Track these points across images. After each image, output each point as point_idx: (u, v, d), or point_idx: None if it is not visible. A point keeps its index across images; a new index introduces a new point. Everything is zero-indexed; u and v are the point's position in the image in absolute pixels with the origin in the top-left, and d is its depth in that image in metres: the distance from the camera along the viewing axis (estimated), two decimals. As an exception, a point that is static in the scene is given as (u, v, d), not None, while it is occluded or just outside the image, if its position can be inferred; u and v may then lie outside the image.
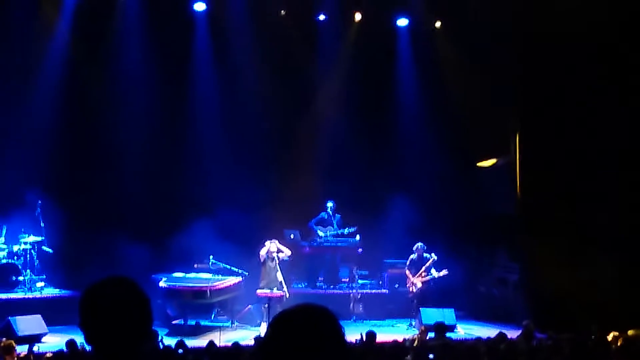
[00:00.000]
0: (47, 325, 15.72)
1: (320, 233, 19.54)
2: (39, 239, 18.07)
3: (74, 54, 19.60)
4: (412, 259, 18.33)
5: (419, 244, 18.37)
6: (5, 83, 18.67)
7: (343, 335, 2.71)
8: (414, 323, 17.72)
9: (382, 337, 14.20)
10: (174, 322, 17.24)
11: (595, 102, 17.58)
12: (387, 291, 19.59)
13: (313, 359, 2.65)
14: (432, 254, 18.23)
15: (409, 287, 18.38)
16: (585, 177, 17.65)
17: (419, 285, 18.18)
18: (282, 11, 20.79)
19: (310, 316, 2.73)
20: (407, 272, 18.38)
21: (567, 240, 17.29)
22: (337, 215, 19.63)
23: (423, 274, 18.17)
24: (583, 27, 17.06)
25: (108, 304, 3.24)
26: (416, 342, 13.66)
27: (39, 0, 19.32)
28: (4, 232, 17.94)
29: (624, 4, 17.46)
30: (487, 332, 15.43)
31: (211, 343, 12.76)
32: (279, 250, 17.44)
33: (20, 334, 14.78)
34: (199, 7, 20.31)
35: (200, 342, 14.31)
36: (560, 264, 17.00)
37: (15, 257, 17.83)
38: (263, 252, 17.30)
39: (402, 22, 21.31)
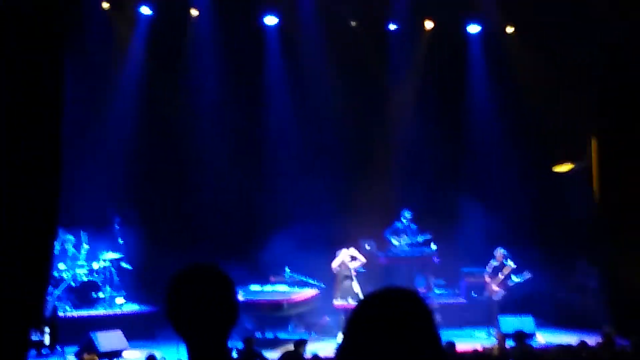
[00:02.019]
0: (127, 341, 15.91)
1: (395, 242, 19.48)
2: (117, 255, 18.32)
3: (149, 71, 19.86)
4: (493, 266, 18.16)
5: (500, 249, 18.20)
6: (84, 101, 18.93)
7: (431, 316, 2.54)
8: (492, 332, 17.56)
9: (461, 346, 14.09)
10: (251, 336, 17.33)
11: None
12: (464, 300, 19.47)
13: (401, 343, 2.47)
14: (510, 261, 18.05)
15: (489, 294, 18.21)
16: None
17: (500, 292, 18.01)
18: (353, 22, 20.83)
19: (394, 298, 2.58)
20: (487, 278, 18.22)
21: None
22: (414, 226, 19.55)
23: (503, 281, 18.00)
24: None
25: (195, 288, 3.21)
26: (496, 350, 13.54)
27: (114, 18, 19.64)
28: (84, 250, 18.20)
29: None
30: (567, 339, 15.19)
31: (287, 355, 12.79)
32: (352, 259, 17.41)
33: (101, 349, 14.96)
34: (270, 20, 20.44)
35: (278, 354, 14.34)
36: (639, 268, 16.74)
37: (95, 275, 18.09)
38: (335, 263, 17.28)
39: (474, 28, 21.20)
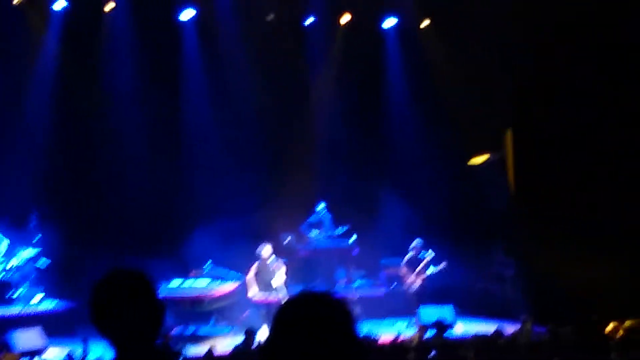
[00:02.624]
0: (48, 338, 15.67)
1: (313, 235, 19.59)
2: (35, 252, 18.05)
3: (65, 65, 19.61)
4: (410, 257, 18.34)
5: (417, 240, 18.40)
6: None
7: (350, 317, 2.66)
8: (413, 322, 17.74)
9: (382, 337, 14.22)
10: (173, 331, 17.24)
11: (588, 95, 17.58)
12: (384, 290, 19.62)
13: (323, 346, 2.58)
14: (430, 251, 18.26)
15: (407, 285, 18.39)
16: (579, 170, 17.66)
17: (418, 283, 18.20)
18: (271, 15, 20.83)
19: (316, 303, 2.68)
20: (404, 269, 18.39)
21: (561, 233, 17.31)
22: (329, 216, 19.68)
23: (421, 271, 18.20)
24: (577, 22, 17.09)
25: (120, 293, 3.24)
26: (416, 340, 13.69)
27: (27, 14, 19.34)
28: (4, 248, 17.90)
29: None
30: (486, 327, 15.42)
31: (210, 351, 12.79)
32: (272, 253, 17.48)
33: (19, 348, 14.73)
34: (187, 15, 20.32)
35: (200, 349, 14.32)
36: (556, 257, 17.02)
37: (12, 272, 17.81)
38: (250, 275, 17.32)
39: (391, 21, 21.39)
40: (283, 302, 2.74)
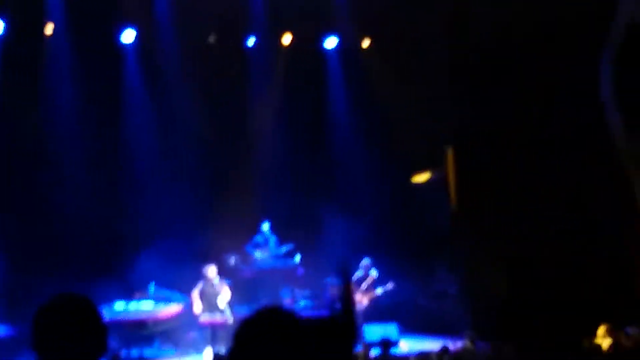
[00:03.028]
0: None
1: (258, 255, 19.58)
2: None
3: (2, 88, 19.37)
4: (357, 277, 18.39)
5: (365, 260, 18.48)
6: None
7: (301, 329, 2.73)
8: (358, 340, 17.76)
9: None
10: (117, 354, 17.10)
11: (530, 112, 17.81)
12: (328, 311, 19.62)
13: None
14: (373, 270, 18.34)
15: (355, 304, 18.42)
16: (519, 188, 17.86)
17: (365, 302, 18.26)
18: (212, 36, 20.85)
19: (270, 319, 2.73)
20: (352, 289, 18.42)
21: (502, 250, 17.49)
22: (273, 237, 19.70)
23: (368, 290, 18.26)
24: (516, 40, 17.35)
25: (62, 320, 3.21)
26: (361, 359, 13.73)
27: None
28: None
29: (559, 17, 17.70)
30: (431, 345, 15.52)
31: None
32: (217, 277, 17.46)
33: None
34: (128, 37, 20.24)
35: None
36: (497, 273, 17.21)
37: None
38: (195, 293, 17.26)
39: (332, 41, 21.55)
40: (243, 320, 2.77)
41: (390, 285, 18.11)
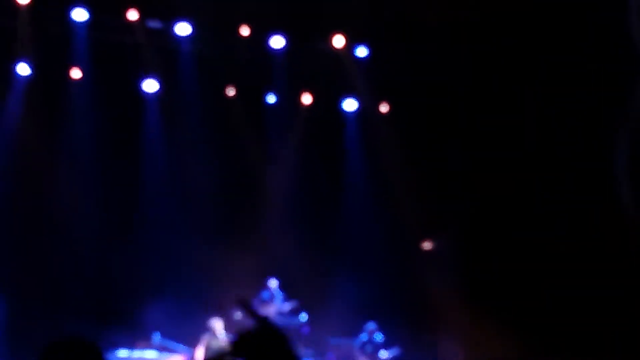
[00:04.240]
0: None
1: (263, 311, 19.56)
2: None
3: (24, 132, 19.54)
4: (362, 341, 18.39)
5: (370, 324, 18.48)
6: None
7: None
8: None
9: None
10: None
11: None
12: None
13: None
14: (377, 335, 18.34)
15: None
16: (524, 258, 17.98)
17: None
18: (232, 91, 21.03)
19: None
20: (357, 352, 18.40)
21: (504, 320, 17.55)
22: (281, 293, 19.70)
23: (373, 355, 18.24)
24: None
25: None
26: None
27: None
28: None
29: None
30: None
31: None
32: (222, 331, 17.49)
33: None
34: (150, 87, 20.41)
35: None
36: (498, 342, 17.25)
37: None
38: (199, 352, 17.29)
39: (351, 103, 21.76)
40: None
41: (396, 351, 18.10)
